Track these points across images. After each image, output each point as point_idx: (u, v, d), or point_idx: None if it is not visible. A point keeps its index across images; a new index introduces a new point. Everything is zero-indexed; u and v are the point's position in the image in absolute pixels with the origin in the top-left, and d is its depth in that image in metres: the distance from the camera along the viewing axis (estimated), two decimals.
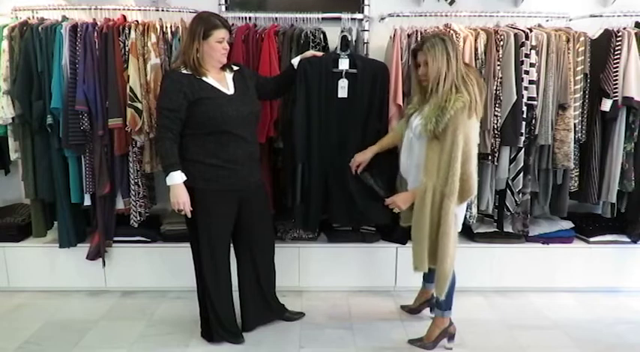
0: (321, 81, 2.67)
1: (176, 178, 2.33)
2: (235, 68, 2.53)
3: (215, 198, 2.42)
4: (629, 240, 3.19)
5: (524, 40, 2.83)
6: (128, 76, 2.84)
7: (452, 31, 2.85)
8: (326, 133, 2.74)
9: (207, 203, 2.42)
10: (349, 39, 2.74)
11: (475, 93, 2.26)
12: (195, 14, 2.44)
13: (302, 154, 2.71)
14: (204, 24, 2.33)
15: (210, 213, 2.44)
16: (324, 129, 2.73)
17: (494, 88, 2.85)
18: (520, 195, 3.01)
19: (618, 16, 2.97)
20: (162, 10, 2.98)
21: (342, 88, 2.69)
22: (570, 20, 3.19)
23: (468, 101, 2.22)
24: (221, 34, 2.35)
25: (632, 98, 2.87)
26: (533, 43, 2.85)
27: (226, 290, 2.58)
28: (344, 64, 2.68)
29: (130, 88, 2.83)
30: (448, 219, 2.27)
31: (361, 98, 2.71)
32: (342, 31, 2.77)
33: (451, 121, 2.20)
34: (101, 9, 3.00)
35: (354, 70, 2.69)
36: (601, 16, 3.08)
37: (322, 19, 3.06)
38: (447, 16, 3.02)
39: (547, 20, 3.14)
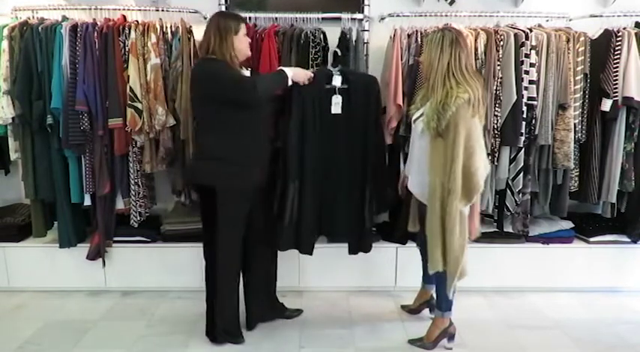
0: (314, 98, 2.62)
1: (287, 71, 2.44)
2: (249, 69, 2.57)
3: (236, 196, 2.43)
4: (629, 240, 3.19)
5: (524, 40, 2.83)
6: (128, 76, 2.85)
7: None
8: (320, 150, 2.67)
9: (229, 201, 2.42)
10: (339, 54, 2.75)
11: (478, 96, 2.26)
12: (215, 14, 2.47)
13: (295, 172, 2.64)
14: (232, 19, 2.39)
15: (231, 212, 2.44)
16: (318, 147, 2.67)
17: (495, 88, 2.85)
18: (520, 195, 3.01)
19: (618, 16, 2.98)
20: (163, 10, 2.99)
21: (336, 105, 2.65)
22: (570, 20, 3.19)
23: (470, 99, 2.22)
24: (245, 27, 2.45)
25: (632, 98, 2.87)
26: (533, 43, 2.85)
27: (237, 290, 2.59)
28: (337, 81, 2.65)
29: (130, 87, 2.83)
30: (452, 216, 2.26)
31: (355, 113, 2.67)
32: (338, 42, 2.81)
33: (452, 118, 2.20)
34: (101, 9, 3.01)
35: (346, 86, 2.65)
36: (601, 16, 3.08)
37: (322, 19, 3.06)
38: (447, 16, 3.02)
39: (547, 20, 3.14)
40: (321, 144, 2.67)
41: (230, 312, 2.58)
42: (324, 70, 2.73)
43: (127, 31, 2.86)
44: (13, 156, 3.05)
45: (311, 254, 2.75)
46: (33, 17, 3.00)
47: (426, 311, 2.88)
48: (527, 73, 2.86)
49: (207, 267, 2.56)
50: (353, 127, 2.68)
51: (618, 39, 2.89)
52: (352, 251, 2.80)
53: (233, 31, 2.36)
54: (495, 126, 2.89)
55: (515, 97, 2.84)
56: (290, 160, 2.63)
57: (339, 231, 2.80)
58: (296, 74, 2.51)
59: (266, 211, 2.64)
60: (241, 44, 2.41)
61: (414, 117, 2.45)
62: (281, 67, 2.51)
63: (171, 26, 2.96)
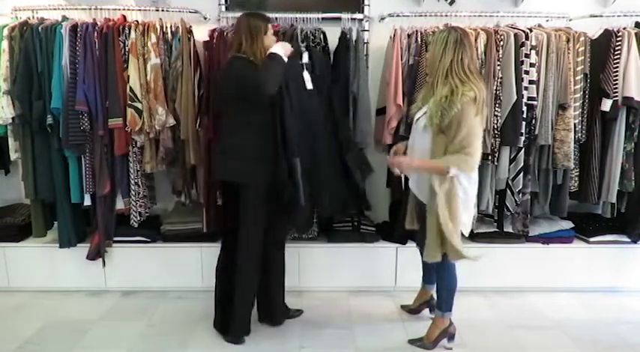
0: (295, 74, 2.63)
1: (279, 52, 2.41)
2: None
3: (262, 193, 2.47)
4: (629, 240, 3.19)
5: (524, 40, 2.83)
6: (128, 76, 2.85)
7: None
8: (306, 125, 2.64)
9: (254, 197, 2.46)
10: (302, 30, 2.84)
11: (483, 96, 2.27)
12: (244, 15, 2.48)
13: (296, 148, 2.57)
14: (261, 20, 2.46)
15: (256, 209, 2.48)
16: (304, 122, 2.63)
17: (495, 88, 2.85)
18: (520, 195, 3.01)
19: (618, 16, 2.98)
20: (163, 10, 2.99)
21: (308, 81, 2.68)
22: (570, 20, 3.19)
23: (476, 97, 2.23)
24: (271, 26, 2.53)
25: (632, 98, 2.87)
26: (533, 43, 2.85)
27: (255, 289, 2.63)
28: (305, 57, 2.70)
29: (130, 87, 2.83)
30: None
31: (322, 90, 2.71)
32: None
33: (456, 115, 2.20)
34: (101, 9, 3.01)
35: (310, 62, 2.70)
36: (601, 16, 3.08)
37: (322, 19, 3.07)
38: (447, 16, 3.02)
39: (547, 20, 3.14)
40: (304, 118, 2.64)
41: (249, 309, 2.61)
42: (296, 46, 2.74)
43: (127, 31, 2.86)
44: (13, 156, 3.05)
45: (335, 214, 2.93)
46: (33, 17, 3.00)
47: (426, 311, 2.88)
48: (527, 73, 2.86)
49: (224, 267, 2.58)
50: (324, 103, 2.71)
51: (618, 39, 2.89)
52: (353, 208, 2.87)
53: (262, 30, 2.44)
54: (495, 126, 2.88)
55: (515, 97, 2.84)
56: (290, 137, 2.57)
57: (336, 203, 2.79)
58: (286, 51, 2.52)
59: (273, 206, 2.63)
60: (270, 42, 2.49)
61: (416, 117, 2.44)
62: (272, 51, 2.44)
63: (171, 26, 2.96)
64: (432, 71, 2.35)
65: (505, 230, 3.16)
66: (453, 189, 2.29)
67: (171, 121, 2.90)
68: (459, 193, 2.30)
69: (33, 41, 2.84)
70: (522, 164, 2.98)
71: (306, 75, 2.67)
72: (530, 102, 2.88)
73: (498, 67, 2.86)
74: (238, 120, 2.46)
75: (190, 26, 2.94)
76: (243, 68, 2.38)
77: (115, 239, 3.13)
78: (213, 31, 2.94)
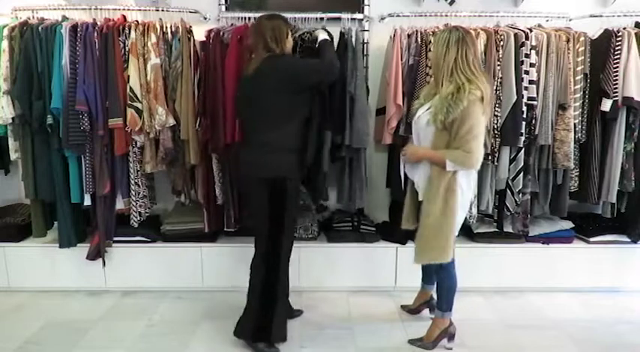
0: None
1: (326, 36, 2.61)
2: None
3: (296, 188, 2.48)
4: (629, 240, 3.19)
5: (524, 40, 2.83)
6: (128, 76, 2.85)
7: None
8: None
9: (294, 193, 2.47)
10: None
11: (489, 94, 2.27)
12: (266, 18, 2.47)
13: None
14: (283, 24, 2.48)
15: (296, 203, 2.52)
16: None
17: (495, 88, 2.85)
18: (520, 195, 3.01)
19: (618, 16, 2.98)
20: (163, 10, 2.99)
21: None
22: (570, 20, 3.19)
23: (482, 96, 2.23)
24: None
25: (632, 98, 2.87)
26: (533, 43, 2.85)
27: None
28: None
29: (130, 87, 2.83)
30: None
31: None
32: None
33: (461, 113, 2.20)
34: (101, 9, 3.01)
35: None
36: (601, 16, 3.08)
37: (322, 19, 3.07)
38: (447, 16, 3.02)
39: (547, 20, 3.14)
40: None
41: (286, 315, 2.58)
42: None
43: (127, 31, 2.86)
44: (13, 156, 3.05)
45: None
46: (33, 17, 3.00)
47: (426, 311, 2.88)
48: (527, 73, 2.85)
49: (260, 268, 2.48)
50: None
51: (618, 39, 2.89)
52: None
53: (285, 33, 2.47)
54: (495, 126, 2.88)
55: (515, 97, 2.84)
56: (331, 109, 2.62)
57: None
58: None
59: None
60: (290, 45, 2.54)
61: (419, 113, 2.43)
62: (323, 38, 2.57)
63: (171, 26, 2.96)
64: (437, 70, 2.36)
65: (505, 230, 3.15)
66: (454, 187, 2.30)
67: (171, 121, 2.90)
68: (457, 191, 2.31)
69: (33, 41, 2.84)
70: (522, 164, 2.98)
71: None
72: (530, 102, 2.88)
73: (498, 67, 2.86)
74: (286, 114, 2.43)
75: (190, 26, 2.94)
76: (300, 61, 2.53)
77: (115, 239, 3.13)
78: (210, 31, 2.93)
